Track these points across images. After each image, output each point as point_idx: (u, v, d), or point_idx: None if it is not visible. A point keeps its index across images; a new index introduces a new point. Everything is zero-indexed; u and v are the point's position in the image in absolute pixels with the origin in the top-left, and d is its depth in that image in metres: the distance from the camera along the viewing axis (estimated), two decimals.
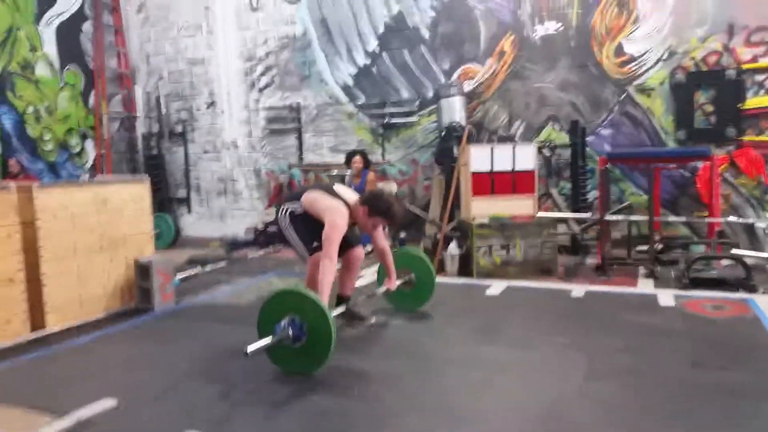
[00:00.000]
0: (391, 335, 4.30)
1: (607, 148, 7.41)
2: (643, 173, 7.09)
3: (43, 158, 8.84)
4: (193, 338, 4.32)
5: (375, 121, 8.66)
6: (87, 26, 9.56)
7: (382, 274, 4.80)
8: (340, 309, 4.27)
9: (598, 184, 6.88)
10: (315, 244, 4.06)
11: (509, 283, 5.67)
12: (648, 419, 2.87)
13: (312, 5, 8.91)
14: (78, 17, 9.41)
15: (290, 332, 3.38)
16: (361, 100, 8.75)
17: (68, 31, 9.23)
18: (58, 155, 9.10)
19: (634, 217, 6.32)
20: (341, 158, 8.21)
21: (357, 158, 7.76)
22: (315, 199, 4.14)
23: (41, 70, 8.83)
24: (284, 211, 4.22)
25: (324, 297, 3.67)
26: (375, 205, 4.10)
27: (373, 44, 8.63)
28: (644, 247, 6.00)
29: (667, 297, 5.03)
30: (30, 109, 8.64)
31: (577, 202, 7.08)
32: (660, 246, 6.11)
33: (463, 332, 4.34)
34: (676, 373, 3.41)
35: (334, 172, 7.51)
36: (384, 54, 8.57)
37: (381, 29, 8.57)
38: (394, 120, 8.53)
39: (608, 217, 6.13)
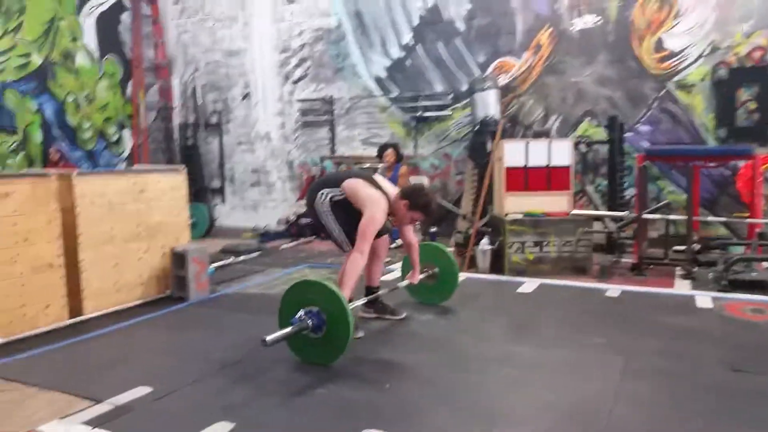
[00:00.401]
0: (421, 330, 4.29)
1: (646, 144, 7.26)
2: (682, 171, 6.93)
3: (81, 147, 9.02)
4: (226, 327, 4.38)
5: (408, 114, 8.63)
6: (126, 16, 9.71)
7: (406, 267, 4.80)
8: (362, 301, 4.26)
9: (636, 182, 6.75)
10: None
11: (542, 281, 5.60)
12: (684, 423, 2.81)
13: None
14: (117, 8, 9.57)
15: (309, 323, 3.41)
16: (395, 93, 8.72)
17: (108, 22, 9.39)
18: (96, 144, 9.28)
19: (671, 217, 6.18)
20: (373, 151, 8.20)
21: (389, 151, 7.75)
22: (357, 188, 4.06)
23: (81, 60, 9.00)
24: (324, 196, 4.12)
25: (347, 290, 3.69)
26: (416, 199, 4.06)
27: (407, 37, 8.58)
28: (682, 248, 5.87)
29: (704, 299, 4.91)
30: (70, 98, 8.82)
31: (613, 199, 6.95)
32: (698, 246, 5.96)
33: (494, 329, 4.30)
34: (715, 377, 3.33)
35: (366, 165, 7.49)
36: (418, 47, 8.52)
37: (416, 22, 8.51)
38: (427, 113, 8.48)
39: (645, 216, 6.01)
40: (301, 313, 3.44)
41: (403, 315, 4.50)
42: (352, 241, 4.00)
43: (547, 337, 4.11)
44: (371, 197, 4.00)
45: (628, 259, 6.27)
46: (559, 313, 4.65)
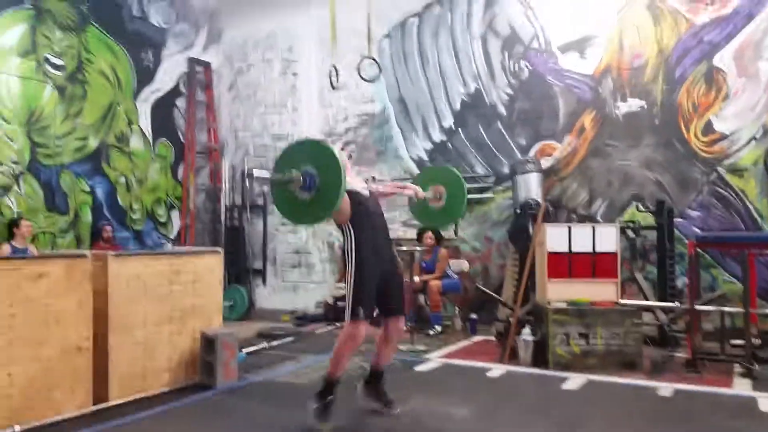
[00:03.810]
0: (453, 429, 4.00)
1: (697, 231, 6.94)
2: (737, 259, 6.56)
3: (130, 227, 9.25)
4: (249, 420, 4.20)
5: None
6: (181, 102, 10.15)
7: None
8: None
9: (688, 270, 6.40)
10: (360, 310, 3.84)
11: (589, 377, 5.23)
12: None
13: (391, 84, 9.09)
14: (173, 94, 10.02)
15: (302, 180, 3.48)
16: None
17: (163, 107, 9.82)
18: (145, 224, 9.50)
19: (727, 308, 5.77)
20: (413, 233, 8.12)
21: (428, 234, 7.65)
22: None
23: (135, 143, 9.37)
24: (351, 248, 3.92)
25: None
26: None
27: (449, 121, 8.65)
28: (740, 342, 5.44)
29: None
30: (122, 180, 9.14)
31: (664, 288, 6.59)
32: (758, 341, 5.52)
33: None
34: None
35: (404, 247, 7.37)
36: (460, 130, 8.56)
37: (458, 106, 8.60)
38: (468, 196, 8.35)
39: (698, 307, 5.63)
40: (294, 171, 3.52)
41: (398, 411, 4.19)
42: (353, 315, 3.86)
43: None
44: None
45: (681, 354, 5.86)
46: (607, 414, 4.30)
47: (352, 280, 3.88)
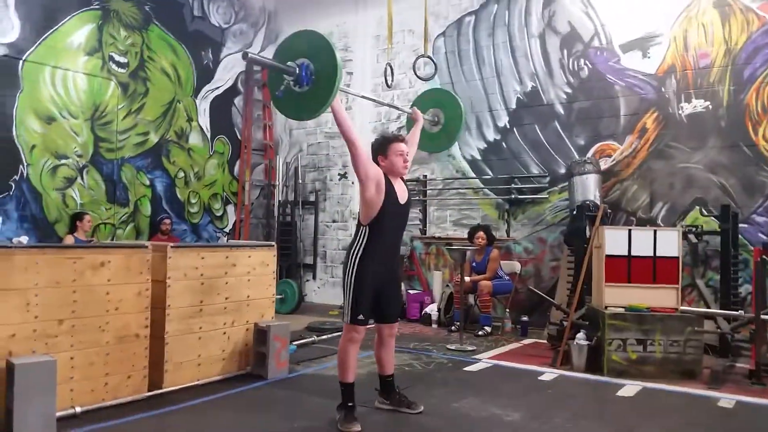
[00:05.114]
0: None
1: (763, 237, 6.63)
2: None
3: (187, 220, 9.49)
4: (299, 411, 4.24)
5: (501, 196, 8.45)
6: (238, 100, 10.36)
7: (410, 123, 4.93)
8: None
9: (752, 277, 6.12)
10: (361, 316, 3.89)
11: (645, 385, 5.06)
12: None
13: (445, 83, 9.01)
14: (231, 92, 10.23)
15: (297, 71, 3.53)
16: (488, 175, 8.60)
17: (221, 104, 10.04)
18: (202, 218, 9.74)
19: None
20: (464, 233, 8.04)
21: (480, 234, 7.56)
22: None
23: (194, 139, 9.62)
24: (355, 254, 3.94)
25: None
26: (376, 148, 4.19)
27: (504, 120, 8.53)
28: None
29: None
30: (180, 174, 9.38)
31: (726, 296, 6.31)
32: None
33: None
34: None
35: (456, 246, 7.31)
36: (515, 129, 8.43)
37: (513, 105, 8.47)
38: (522, 196, 8.25)
39: (765, 316, 5.37)
40: (292, 63, 3.59)
41: (420, 409, 4.23)
42: (353, 320, 3.91)
43: None
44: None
45: (743, 365, 5.60)
46: (664, 424, 4.14)
47: (352, 289, 3.92)
